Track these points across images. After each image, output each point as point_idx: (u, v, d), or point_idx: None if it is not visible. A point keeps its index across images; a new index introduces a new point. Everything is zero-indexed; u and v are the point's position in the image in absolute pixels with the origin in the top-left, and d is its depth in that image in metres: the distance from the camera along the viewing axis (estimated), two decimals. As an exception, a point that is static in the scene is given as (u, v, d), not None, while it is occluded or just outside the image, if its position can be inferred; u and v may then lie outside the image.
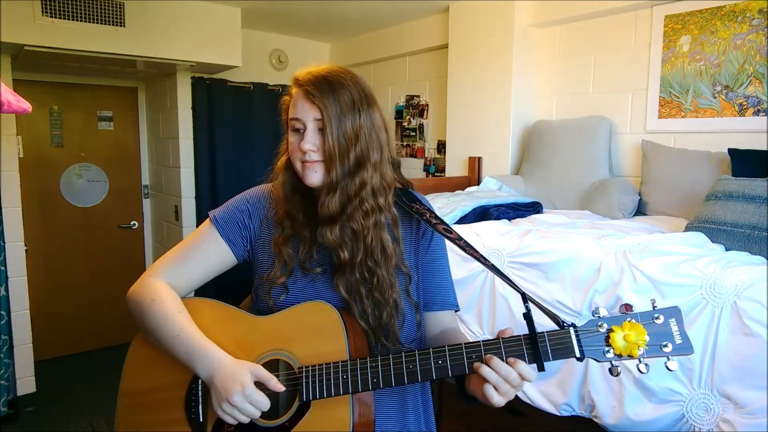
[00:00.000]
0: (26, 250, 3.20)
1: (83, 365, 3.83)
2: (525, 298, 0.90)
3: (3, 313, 2.91)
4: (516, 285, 0.97)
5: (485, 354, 0.86)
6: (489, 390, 0.84)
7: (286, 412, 0.94)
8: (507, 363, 0.84)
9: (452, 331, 1.10)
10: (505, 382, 0.83)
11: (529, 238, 1.87)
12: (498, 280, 1.85)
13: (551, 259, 1.76)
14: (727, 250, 1.67)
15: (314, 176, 0.97)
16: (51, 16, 2.76)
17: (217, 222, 1.06)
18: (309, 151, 0.95)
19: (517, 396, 0.88)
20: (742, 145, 2.12)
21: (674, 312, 0.83)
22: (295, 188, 1.04)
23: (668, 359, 0.81)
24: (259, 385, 0.92)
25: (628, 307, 0.84)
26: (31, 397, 3.21)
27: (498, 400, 0.84)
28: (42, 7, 2.73)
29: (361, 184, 0.96)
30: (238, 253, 1.06)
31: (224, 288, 1.32)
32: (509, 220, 2.30)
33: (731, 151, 2.07)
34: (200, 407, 0.99)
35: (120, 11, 2.97)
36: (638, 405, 1.51)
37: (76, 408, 3.21)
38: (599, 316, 0.83)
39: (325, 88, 0.95)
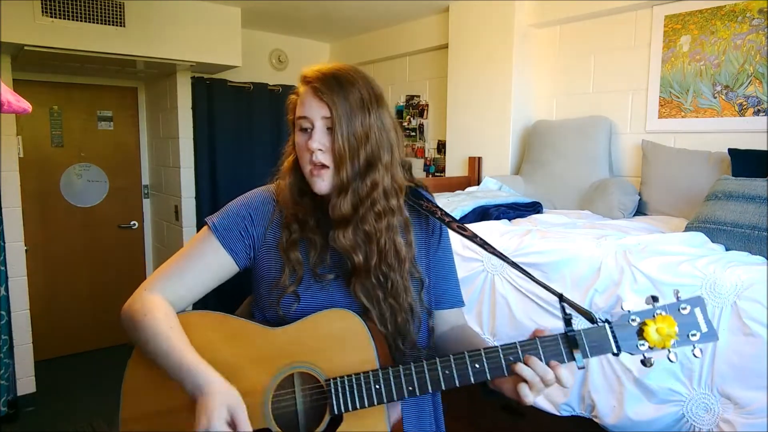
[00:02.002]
0: (26, 250, 3.20)
1: (83, 365, 3.82)
2: (561, 299, 0.90)
3: (3, 313, 2.91)
4: (549, 287, 0.96)
5: (522, 354, 0.85)
6: (524, 389, 0.82)
7: (314, 427, 0.89)
8: (548, 366, 0.84)
9: (462, 327, 1.09)
10: (541, 381, 0.82)
11: (529, 238, 1.87)
12: (498, 280, 1.86)
13: (551, 259, 1.76)
14: (727, 250, 1.67)
15: (322, 184, 0.93)
16: (51, 16, 2.76)
17: (217, 230, 0.99)
18: (317, 150, 0.91)
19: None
20: (742, 145, 2.12)
21: (699, 301, 0.86)
22: (303, 191, 0.99)
23: (694, 347, 0.85)
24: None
25: (654, 299, 0.86)
26: (31, 397, 3.22)
27: (531, 399, 0.82)
28: (42, 7, 2.73)
29: (373, 185, 0.93)
30: (240, 262, 1.00)
31: (227, 293, 1.29)
32: (509, 220, 2.30)
33: (731, 151, 2.07)
34: None
35: (120, 11, 2.97)
36: (638, 405, 1.51)
37: (76, 408, 3.21)
38: (629, 311, 0.85)
39: (334, 85, 0.92)
